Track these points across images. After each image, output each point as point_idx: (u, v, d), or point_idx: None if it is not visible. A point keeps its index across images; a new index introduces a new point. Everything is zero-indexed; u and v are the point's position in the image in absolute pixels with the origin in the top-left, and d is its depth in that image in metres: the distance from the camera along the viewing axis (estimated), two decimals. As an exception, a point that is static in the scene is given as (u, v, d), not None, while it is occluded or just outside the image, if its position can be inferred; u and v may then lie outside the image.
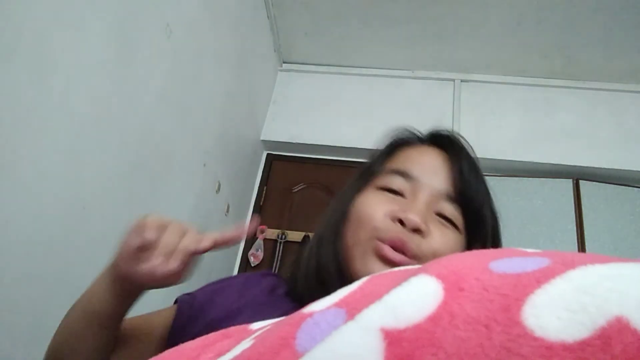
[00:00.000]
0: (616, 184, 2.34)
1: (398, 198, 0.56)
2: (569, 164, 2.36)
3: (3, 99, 0.91)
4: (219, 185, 2.05)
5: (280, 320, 0.25)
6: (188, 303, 0.61)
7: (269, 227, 2.44)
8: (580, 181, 2.35)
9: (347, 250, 0.55)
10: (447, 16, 2.32)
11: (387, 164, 0.61)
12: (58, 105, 1.04)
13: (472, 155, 0.62)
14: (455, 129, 2.50)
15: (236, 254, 2.40)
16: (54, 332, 0.57)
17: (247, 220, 2.51)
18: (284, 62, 2.79)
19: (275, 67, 2.75)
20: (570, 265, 0.18)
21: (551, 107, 2.51)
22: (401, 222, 0.53)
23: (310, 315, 0.22)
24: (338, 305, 0.22)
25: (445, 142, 0.62)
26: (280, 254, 2.35)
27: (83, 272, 1.16)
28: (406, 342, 0.17)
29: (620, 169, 2.32)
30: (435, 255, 0.53)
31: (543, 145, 2.41)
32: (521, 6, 2.20)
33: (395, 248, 0.52)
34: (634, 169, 2.31)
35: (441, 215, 0.56)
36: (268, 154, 2.68)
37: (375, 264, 0.52)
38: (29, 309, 0.99)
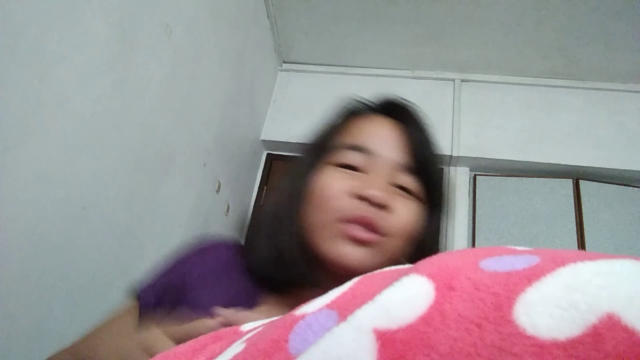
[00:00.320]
0: (616, 184, 2.34)
1: (356, 174, 0.55)
2: (569, 163, 2.36)
3: (3, 99, 0.91)
4: (219, 185, 2.05)
5: (272, 323, 0.25)
6: (152, 295, 0.57)
7: (269, 227, 2.44)
8: (580, 181, 2.35)
9: (311, 232, 0.54)
10: (447, 16, 2.32)
11: (341, 138, 0.60)
12: (58, 105, 1.04)
13: (426, 123, 0.61)
14: (455, 129, 2.50)
15: (236, 254, 2.40)
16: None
17: (247, 221, 2.50)
18: (284, 62, 2.79)
19: (275, 67, 2.75)
20: (560, 262, 0.18)
21: (551, 107, 2.51)
22: (364, 199, 0.52)
23: (302, 317, 0.22)
24: (330, 306, 0.22)
25: (399, 111, 0.61)
26: (280, 254, 2.35)
27: (83, 272, 1.16)
28: (399, 343, 0.17)
29: (620, 169, 2.32)
30: (403, 230, 0.55)
31: (543, 145, 2.41)
32: (521, 6, 2.20)
33: (364, 227, 0.52)
34: (634, 169, 2.31)
35: (402, 188, 0.56)
36: (268, 154, 2.68)
37: (346, 246, 0.52)
38: (29, 310, 0.99)
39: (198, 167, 1.83)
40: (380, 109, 0.63)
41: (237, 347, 0.24)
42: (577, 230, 2.23)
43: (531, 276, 0.17)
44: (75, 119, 1.10)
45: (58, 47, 1.04)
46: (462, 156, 2.44)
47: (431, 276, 0.20)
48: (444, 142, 2.48)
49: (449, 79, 2.64)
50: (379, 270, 0.25)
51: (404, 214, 0.55)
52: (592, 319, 0.15)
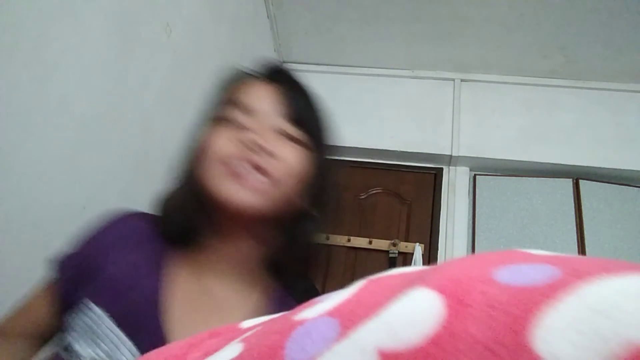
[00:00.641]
0: (616, 184, 2.34)
1: (242, 130, 0.59)
2: (569, 163, 2.36)
3: (3, 99, 0.91)
4: (219, 185, 2.05)
5: (270, 323, 0.24)
6: (72, 267, 0.61)
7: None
8: (580, 181, 2.35)
9: (204, 182, 0.57)
10: (447, 16, 2.32)
11: (227, 101, 0.64)
12: (58, 105, 1.04)
13: (303, 83, 0.66)
14: (455, 128, 2.50)
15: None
16: None
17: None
18: (284, 62, 2.79)
19: (275, 67, 2.75)
20: (583, 277, 0.16)
21: (551, 106, 2.51)
22: (248, 146, 0.56)
23: (301, 323, 0.21)
24: (331, 314, 0.21)
25: (278, 75, 0.65)
26: (280, 254, 2.35)
27: (83, 271, 1.16)
28: None
29: (620, 169, 2.32)
30: (288, 172, 0.58)
31: (543, 144, 2.41)
32: (521, 6, 2.20)
33: (247, 163, 0.55)
34: (634, 169, 2.30)
35: (287, 136, 0.59)
36: (268, 154, 2.68)
37: (232, 185, 0.55)
38: (29, 309, 0.99)
39: (198, 166, 1.83)
40: (262, 75, 0.67)
41: (233, 352, 0.23)
42: (576, 230, 2.23)
43: (550, 293, 0.16)
44: (75, 119, 1.10)
45: (58, 47, 1.04)
46: (462, 156, 2.44)
47: (442, 290, 0.18)
48: (444, 141, 2.48)
49: (448, 79, 2.64)
50: (386, 274, 0.24)
51: (288, 159, 0.58)
52: (618, 350, 0.13)
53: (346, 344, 0.18)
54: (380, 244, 2.33)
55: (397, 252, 2.29)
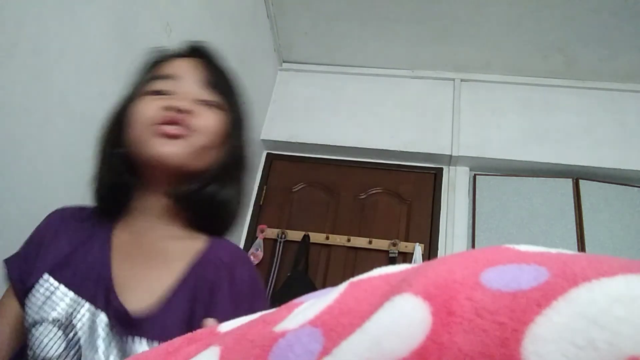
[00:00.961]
0: (616, 184, 2.34)
1: (166, 97, 0.66)
2: (569, 163, 2.35)
3: (3, 99, 0.91)
4: (219, 185, 2.05)
5: (248, 331, 0.22)
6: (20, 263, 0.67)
7: (268, 227, 2.44)
8: (580, 181, 2.35)
9: (134, 146, 0.65)
10: (447, 15, 2.32)
11: (151, 76, 0.71)
12: (58, 105, 1.04)
13: (216, 57, 0.75)
14: (455, 128, 2.50)
15: (236, 254, 2.40)
16: None
17: (247, 220, 2.51)
18: (284, 62, 2.79)
19: (275, 67, 2.75)
20: (572, 279, 0.15)
21: (551, 106, 2.51)
22: (171, 109, 0.64)
23: (283, 335, 0.20)
24: (313, 323, 0.20)
25: (196, 52, 0.74)
26: (280, 253, 2.35)
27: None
28: None
29: (620, 169, 2.32)
30: (207, 128, 0.66)
31: (543, 144, 2.41)
32: (521, 6, 2.20)
33: (171, 124, 0.63)
34: (634, 169, 2.31)
35: (205, 102, 0.68)
36: (268, 154, 2.68)
37: (159, 141, 0.63)
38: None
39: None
40: (182, 52, 0.76)
41: (211, 353, 0.22)
42: (576, 230, 2.23)
43: (540, 300, 0.15)
44: (75, 118, 1.10)
45: (58, 47, 1.04)
46: (462, 156, 2.44)
47: (427, 296, 0.17)
48: (443, 141, 2.48)
49: (448, 79, 2.64)
50: (367, 276, 0.22)
51: (207, 118, 0.67)
52: None
53: None
54: (380, 243, 2.33)
55: (397, 252, 2.29)
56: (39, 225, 0.71)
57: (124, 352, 0.57)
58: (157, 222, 0.68)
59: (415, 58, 2.61)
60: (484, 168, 2.48)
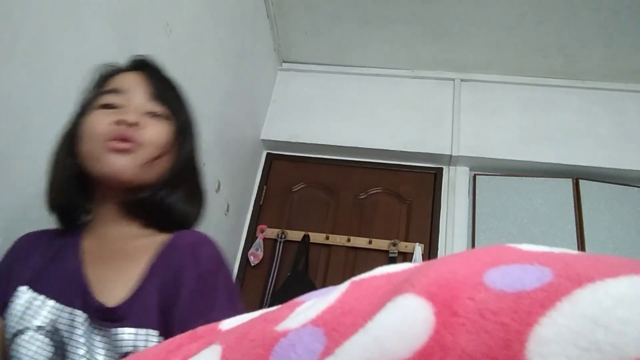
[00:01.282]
0: (616, 184, 2.34)
1: (115, 110, 0.70)
2: (569, 163, 2.36)
3: (3, 99, 0.91)
4: (219, 185, 2.05)
5: (249, 330, 0.22)
6: None
7: (268, 227, 2.44)
8: (580, 181, 2.35)
9: (86, 161, 0.69)
10: (447, 15, 2.32)
11: (100, 91, 0.75)
12: (58, 105, 1.04)
13: (162, 69, 0.79)
14: (455, 128, 2.50)
15: (236, 254, 2.41)
16: None
17: (247, 220, 2.51)
18: (284, 62, 2.79)
19: (275, 67, 2.75)
20: (576, 280, 0.15)
21: (551, 106, 2.51)
22: (120, 122, 0.67)
23: (285, 334, 0.20)
24: (315, 323, 0.19)
25: (143, 66, 0.78)
26: (280, 253, 2.35)
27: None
28: None
29: (620, 169, 2.32)
30: (154, 140, 0.70)
31: (543, 144, 2.41)
32: (521, 6, 2.20)
33: (121, 141, 0.67)
34: (634, 169, 2.31)
35: (152, 114, 0.71)
36: (268, 154, 2.68)
37: (110, 157, 0.66)
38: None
39: (198, 166, 1.83)
40: (129, 66, 0.79)
41: (212, 352, 0.22)
42: (576, 230, 2.23)
43: (544, 301, 0.15)
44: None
45: (58, 46, 1.04)
46: (462, 156, 2.44)
47: (429, 296, 0.17)
48: (444, 141, 2.48)
49: (448, 79, 2.64)
50: (369, 275, 0.22)
51: (154, 129, 0.70)
52: None
53: None
54: (380, 243, 2.33)
55: (397, 252, 2.29)
56: (7, 250, 0.75)
57: (105, 343, 0.60)
58: (118, 226, 0.72)
59: (415, 58, 2.61)
60: (484, 168, 2.48)
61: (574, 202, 2.30)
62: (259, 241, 2.40)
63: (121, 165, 0.67)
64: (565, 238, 2.21)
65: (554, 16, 2.22)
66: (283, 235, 2.39)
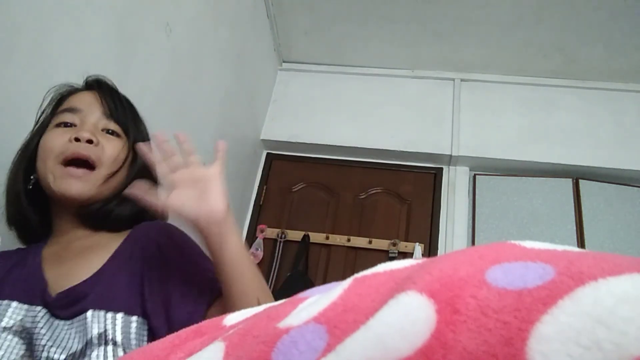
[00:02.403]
0: (616, 184, 2.34)
1: (71, 128, 0.73)
2: (568, 163, 2.36)
3: (3, 99, 0.91)
4: (219, 185, 2.05)
5: (252, 326, 0.22)
6: None
7: (268, 227, 2.44)
8: (580, 181, 2.35)
9: (43, 178, 0.71)
10: (446, 15, 2.32)
11: (58, 109, 0.78)
12: (58, 105, 1.04)
13: (116, 88, 0.84)
14: (455, 128, 2.50)
15: (236, 254, 2.40)
16: None
17: (247, 220, 2.51)
18: (284, 62, 2.79)
19: (275, 67, 2.75)
20: (578, 278, 0.15)
21: (551, 106, 2.51)
22: (77, 140, 0.70)
23: (287, 331, 0.20)
24: (317, 320, 0.19)
25: (97, 85, 0.82)
26: (279, 253, 2.35)
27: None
28: None
29: (620, 169, 2.32)
30: (111, 158, 0.73)
31: (543, 144, 2.41)
32: (521, 5, 2.20)
33: (78, 162, 0.70)
34: (634, 169, 2.31)
35: (107, 131, 0.76)
36: (268, 154, 2.68)
37: (66, 181, 0.69)
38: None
39: (198, 166, 1.83)
40: (84, 86, 0.83)
41: (216, 348, 0.22)
42: (576, 230, 2.23)
43: (546, 299, 0.15)
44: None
45: (58, 47, 1.04)
46: (462, 156, 2.44)
47: (432, 294, 0.17)
48: (444, 141, 2.48)
49: (448, 79, 2.64)
50: (372, 272, 0.22)
51: (110, 147, 0.74)
52: None
53: (334, 358, 0.17)
54: (380, 243, 2.33)
55: (397, 251, 2.29)
56: None
57: (72, 330, 0.62)
58: (75, 232, 0.75)
59: (415, 58, 2.61)
60: (484, 168, 2.48)
61: (574, 202, 2.30)
62: (259, 241, 2.40)
63: (77, 189, 0.70)
64: (565, 238, 2.21)
65: (554, 16, 2.22)
66: (283, 235, 2.39)
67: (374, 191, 2.52)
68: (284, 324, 0.20)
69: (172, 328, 0.64)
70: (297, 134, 2.59)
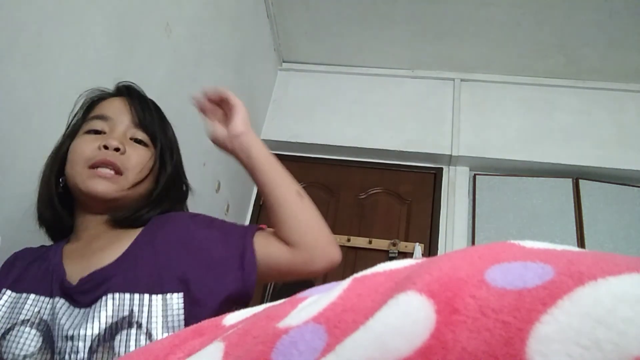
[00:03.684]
0: (616, 184, 2.34)
1: (101, 135, 0.75)
2: (569, 163, 2.36)
3: (3, 99, 0.91)
4: (219, 185, 2.05)
5: (252, 326, 0.23)
6: None
7: (268, 227, 2.44)
8: (580, 181, 2.35)
9: (71, 182, 0.74)
10: (447, 15, 2.32)
11: (89, 116, 0.80)
12: (58, 105, 1.04)
13: (145, 96, 0.85)
14: (455, 128, 2.50)
15: (236, 254, 2.40)
16: None
17: (247, 220, 2.50)
18: (284, 62, 2.79)
19: (275, 67, 2.75)
20: (577, 278, 0.15)
21: (551, 106, 2.51)
22: (105, 147, 0.72)
23: (286, 331, 0.20)
24: (316, 320, 0.19)
25: (127, 92, 0.83)
26: (280, 254, 2.35)
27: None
28: None
29: (620, 169, 2.32)
30: (136, 165, 0.75)
31: (543, 144, 2.41)
32: (521, 5, 2.20)
33: (105, 166, 0.72)
34: (634, 169, 2.31)
35: (135, 140, 0.77)
36: (268, 154, 2.68)
37: (93, 181, 0.71)
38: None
39: (198, 166, 1.83)
40: (114, 92, 0.84)
41: (215, 348, 0.22)
42: (576, 230, 2.23)
43: (546, 299, 0.15)
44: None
45: (58, 46, 1.04)
46: (462, 156, 2.44)
47: (431, 294, 0.17)
48: (444, 141, 2.48)
49: (448, 79, 2.64)
50: (371, 272, 0.22)
51: (136, 155, 0.76)
52: None
53: (333, 358, 0.16)
54: (380, 243, 2.33)
55: (397, 251, 2.29)
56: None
57: (88, 319, 0.62)
58: (99, 230, 0.76)
59: (415, 58, 2.61)
60: (484, 168, 2.48)
61: (574, 202, 2.30)
62: (259, 241, 2.39)
63: (103, 188, 0.72)
64: (565, 238, 2.21)
65: (554, 16, 2.22)
66: (283, 235, 2.39)
67: (374, 191, 2.52)
68: (283, 324, 0.20)
69: (218, 293, 0.67)
70: (297, 134, 2.59)
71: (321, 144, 2.55)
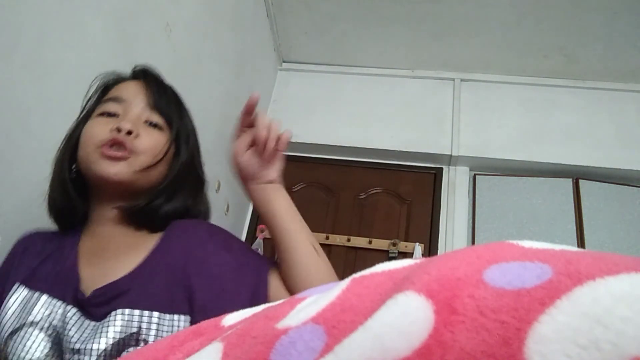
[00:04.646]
0: (616, 184, 2.34)
1: (114, 118, 0.73)
2: (569, 163, 2.36)
3: (3, 99, 0.91)
4: (219, 185, 2.05)
5: (251, 326, 0.22)
6: None
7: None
8: (580, 181, 2.35)
9: (83, 163, 0.71)
10: (447, 15, 2.32)
11: (103, 98, 0.78)
12: (58, 105, 1.04)
13: (162, 79, 0.83)
14: (455, 128, 2.50)
15: (236, 254, 2.40)
16: None
17: (247, 220, 2.50)
18: (284, 62, 2.79)
19: (275, 67, 2.75)
20: (576, 278, 0.15)
21: (551, 106, 2.51)
22: (117, 130, 0.69)
23: (285, 332, 0.20)
24: (315, 320, 0.19)
25: (143, 75, 0.80)
26: (280, 254, 2.35)
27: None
28: None
29: (620, 169, 2.32)
30: (148, 149, 0.72)
31: (543, 144, 2.41)
32: (521, 5, 2.20)
33: (116, 146, 0.69)
34: (634, 169, 2.31)
35: (150, 123, 0.74)
36: (268, 154, 2.68)
37: (104, 163, 0.69)
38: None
39: (198, 166, 1.83)
40: (131, 75, 0.82)
41: (214, 349, 0.22)
42: (576, 230, 2.23)
43: (544, 298, 0.15)
44: (75, 118, 1.10)
45: (58, 47, 1.04)
46: (462, 156, 2.44)
47: (430, 294, 0.17)
48: (443, 141, 2.48)
49: (449, 79, 2.64)
50: (370, 272, 0.22)
51: (147, 138, 0.72)
52: None
53: (333, 359, 0.16)
54: (380, 243, 2.34)
55: (397, 251, 2.29)
56: (8, 252, 0.76)
57: (96, 334, 0.60)
58: (115, 227, 0.73)
59: (415, 58, 2.61)
60: (484, 168, 2.48)
61: (574, 202, 2.30)
62: (259, 241, 2.39)
63: (114, 170, 0.69)
64: (565, 238, 2.21)
65: (554, 16, 2.22)
66: (283, 235, 2.39)
67: (374, 191, 2.52)
68: (282, 324, 0.20)
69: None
70: (297, 134, 2.59)
71: (321, 144, 2.55)
